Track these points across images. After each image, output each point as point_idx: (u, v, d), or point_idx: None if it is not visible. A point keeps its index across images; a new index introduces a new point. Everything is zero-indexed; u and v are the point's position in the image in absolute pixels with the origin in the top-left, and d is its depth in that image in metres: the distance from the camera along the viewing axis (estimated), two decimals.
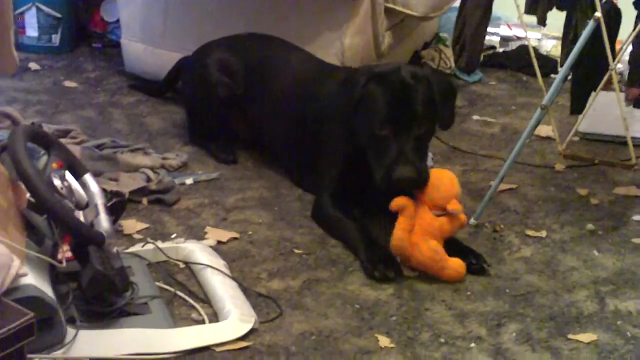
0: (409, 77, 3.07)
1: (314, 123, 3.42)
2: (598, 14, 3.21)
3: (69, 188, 2.66)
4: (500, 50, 5.47)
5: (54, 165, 2.66)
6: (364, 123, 3.09)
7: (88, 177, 2.79)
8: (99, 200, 2.75)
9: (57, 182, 2.61)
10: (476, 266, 3.02)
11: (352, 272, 3.00)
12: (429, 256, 2.93)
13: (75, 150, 3.46)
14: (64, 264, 2.54)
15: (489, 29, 5.09)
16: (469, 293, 2.92)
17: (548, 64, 4.97)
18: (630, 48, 3.52)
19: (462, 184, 3.62)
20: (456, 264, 2.95)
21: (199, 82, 3.88)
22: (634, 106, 3.61)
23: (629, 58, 3.53)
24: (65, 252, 2.59)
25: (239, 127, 3.87)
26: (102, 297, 2.58)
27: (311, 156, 3.42)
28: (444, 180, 3.03)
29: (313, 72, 3.62)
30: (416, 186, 3.01)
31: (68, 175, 2.71)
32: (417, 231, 2.96)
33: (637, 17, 3.59)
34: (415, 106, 3.03)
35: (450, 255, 3.01)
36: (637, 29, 3.50)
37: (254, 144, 3.85)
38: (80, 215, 2.71)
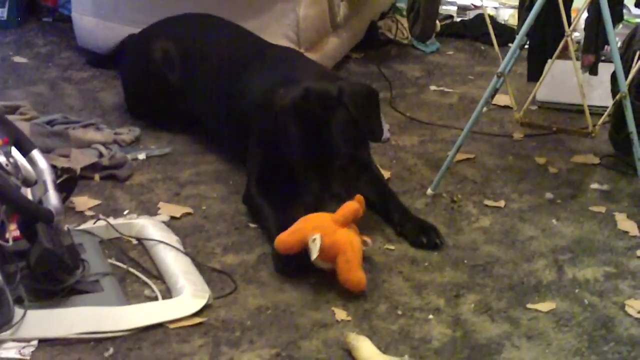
0: (319, 108, 2.93)
1: (244, 109, 3.34)
2: None
3: (15, 165, 2.60)
4: (458, 19, 5.45)
5: None
6: (285, 149, 3.01)
7: (36, 153, 2.72)
8: (48, 177, 2.69)
9: (1, 159, 2.55)
10: (429, 244, 2.99)
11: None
12: (356, 251, 2.75)
13: (25, 126, 3.41)
14: (11, 242, 2.49)
15: None
16: (426, 264, 2.90)
17: (505, 33, 4.95)
18: (585, 14, 3.49)
19: (419, 155, 3.64)
20: (359, 278, 2.74)
21: (139, 72, 3.85)
22: (590, 73, 3.59)
23: (584, 25, 3.51)
24: (12, 230, 2.55)
25: (179, 112, 3.80)
26: (52, 275, 2.53)
27: (242, 141, 3.35)
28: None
29: (246, 56, 3.54)
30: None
31: (14, 152, 2.65)
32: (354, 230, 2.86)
33: None
34: (331, 143, 2.91)
35: (404, 231, 3.03)
36: None
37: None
38: (27, 192, 2.66)
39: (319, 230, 2.68)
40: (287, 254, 2.74)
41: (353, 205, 2.78)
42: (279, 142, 3.01)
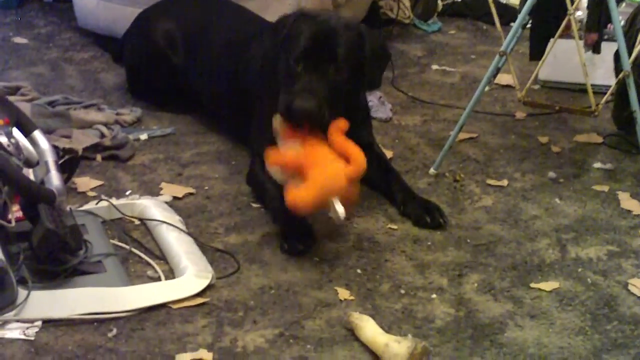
0: (339, 23, 2.97)
1: (246, 86, 3.33)
2: None
3: (17, 145, 2.60)
4: None
5: (0, 122, 2.59)
6: (285, 61, 2.99)
7: (38, 134, 2.72)
8: (50, 158, 2.69)
9: (3, 140, 2.55)
10: (433, 223, 3.00)
11: (312, 225, 2.96)
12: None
13: (26, 107, 3.40)
14: (13, 223, 2.49)
15: None
16: (429, 243, 2.90)
17: (508, 13, 4.93)
18: None
19: (422, 134, 3.63)
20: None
21: (141, 52, 3.83)
22: (593, 52, 3.58)
23: (587, 3, 3.50)
24: (15, 211, 2.55)
25: (182, 92, 3.79)
26: (54, 256, 2.53)
27: (245, 121, 3.34)
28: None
29: (247, 35, 3.52)
30: (315, 121, 2.86)
31: (16, 132, 2.65)
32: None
33: None
34: (336, 48, 2.91)
35: (408, 211, 3.05)
36: None
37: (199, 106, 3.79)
38: (30, 173, 2.66)
39: (341, 193, 2.71)
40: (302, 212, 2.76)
41: (362, 160, 2.76)
42: (282, 59, 3.00)
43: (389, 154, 3.43)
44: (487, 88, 3.31)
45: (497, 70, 3.30)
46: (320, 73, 2.88)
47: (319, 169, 2.71)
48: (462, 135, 3.54)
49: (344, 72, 2.91)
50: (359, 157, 2.74)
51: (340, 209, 2.68)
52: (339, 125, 2.82)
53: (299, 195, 2.68)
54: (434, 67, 4.47)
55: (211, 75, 3.55)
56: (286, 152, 2.81)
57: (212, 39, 3.59)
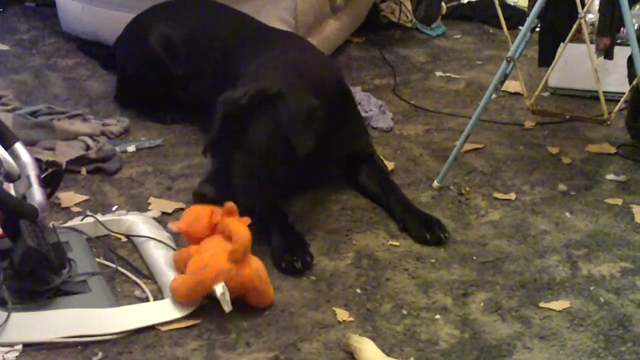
0: (247, 99, 2.90)
1: None
2: None
3: None
4: (465, 1, 5.43)
5: None
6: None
7: (19, 147, 2.73)
8: (32, 171, 2.70)
9: None
10: (433, 238, 3.00)
11: (308, 239, 2.96)
12: (264, 280, 2.66)
13: (7, 118, 3.41)
14: None
15: None
16: (433, 261, 2.90)
17: (515, 15, 4.93)
18: None
19: (425, 145, 3.63)
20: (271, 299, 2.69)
21: (137, 60, 3.83)
22: (605, 57, 3.58)
23: (599, 6, 3.50)
24: None
25: (178, 102, 3.80)
26: (36, 275, 2.53)
27: None
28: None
29: (245, 41, 3.51)
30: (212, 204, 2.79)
31: None
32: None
33: None
34: (241, 133, 2.88)
35: (407, 226, 3.04)
36: None
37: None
38: (10, 187, 2.66)
39: (222, 277, 2.55)
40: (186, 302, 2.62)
41: (245, 237, 2.60)
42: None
43: (390, 165, 3.43)
44: (494, 96, 3.31)
45: (505, 77, 3.30)
46: (229, 160, 2.86)
47: (196, 256, 2.62)
48: (468, 146, 3.54)
49: (256, 154, 2.87)
50: (239, 233, 2.60)
51: (220, 294, 2.53)
52: (227, 207, 2.67)
53: (174, 286, 2.58)
54: (438, 73, 4.47)
55: (211, 83, 3.54)
56: (183, 250, 2.73)
57: (212, 45, 3.59)
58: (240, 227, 2.62)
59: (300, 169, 3.01)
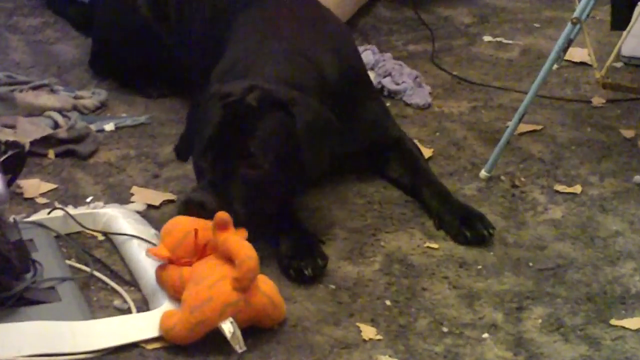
0: (261, 100, 2.91)
1: None
2: None
3: None
4: None
5: None
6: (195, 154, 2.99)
7: None
8: None
9: None
10: (475, 237, 3.01)
11: (326, 243, 2.98)
12: (278, 306, 2.65)
13: None
14: None
15: None
16: (479, 267, 2.91)
17: None
18: None
19: (470, 125, 3.64)
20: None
21: (121, 18, 3.84)
22: None
23: None
24: None
25: (166, 72, 3.83)
26: None
27: None
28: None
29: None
30: (209, 216, 2.75)
31: None
32: None
33: None
34: (247, 138, 2.88)
35: (444, 223, 3.07)
36: None
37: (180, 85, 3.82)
38: None
39: (229, 312, 2.52)
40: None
41: (251, 259, 2.56)
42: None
43: (427, 152, 3.44)
44: (555, 66, 3.31)
45: (569, 43, 3.30)
46: (228, 172, 2.86)
47: (190, 285, 2.58)
48: (523, 127, 3.55)
49: (264, 167, 2.87)
50: (243, 254, 2.56)
51: (229, 334, 2.50)
52: (218, 219, 2.63)
53: (168, 325, 2.54)
54: (487, 38, 4.48)
55: (205, 52, 3.54)
56: (171, 269, 2.69)
57: (207, 8, 3.59)
58: (243, 247, 2.58)
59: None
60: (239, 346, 2.50)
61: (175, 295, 2.62)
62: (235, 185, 2.85)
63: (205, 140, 2.89)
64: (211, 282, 2.54)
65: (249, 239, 2.65)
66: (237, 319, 2.51)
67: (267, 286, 2.61)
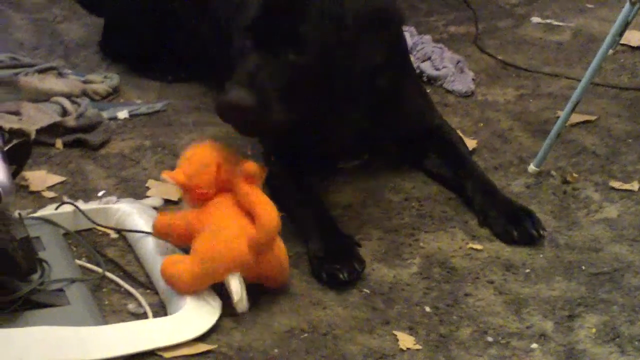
0: None
1: None
2: None
3: None
4: None
5: None
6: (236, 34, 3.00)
7: None
8: None
9: None
10: (522, 237, 3.01)
11: (360, 241, 2.98)
12: (285, 267, 2.76)
13: None
14: None
15: None
16: (527, 271, 2.90)
17: None
18: None
19: (517, 115, 3.64)
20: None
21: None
22: None
23: None
24: None
25: (180, 46, 3.84)
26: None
27: None
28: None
29: None
30: (252, 122, 2.84)
31: None
32: None
33: None
34: (298, 21, 2.87)
35: (489, 220, 3.06)
36: None
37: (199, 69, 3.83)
38: None
39: (238, 269, 2.62)
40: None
41: (273, 222, 2.65)
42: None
43: (470, 144, 3.44)
44: (610, 51, 3.31)
45: (626, 26, 3.29)
46: (273, 55, 2.86)
47: (206, 235, 2.66)
48: (575, 118, 3.53)
49: (310, 58, 2.88)
50: (264, 215, 2.65)
51: (236, 290, 2.60)
52: (248, 170, 2.71)
53: (175, 272, 2.62)
54: (535, 19, 4.48)
55: (225, 36, 3.55)
56: (174, 216, 2.79)
57: None
58: (267, 208, 2.66)
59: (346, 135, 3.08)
60: (242, 306, 2.60)
61: (180, 241, 2.72)
62: (276, 74, 2.85)
63: (249, 21, 2.90)
64: (228, 236, 2.64)
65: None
66: (243, 275, 2.61)
67: (278, 249, 2.70)
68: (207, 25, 3.65)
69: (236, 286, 2.58)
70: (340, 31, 2.90)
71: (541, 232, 3.01)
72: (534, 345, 2.63)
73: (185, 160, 2.78)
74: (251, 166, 2.70)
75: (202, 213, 2.72)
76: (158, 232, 2.78)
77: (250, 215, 2.66)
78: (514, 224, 3.02)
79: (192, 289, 2.62)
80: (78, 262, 2.82)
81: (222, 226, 2.66)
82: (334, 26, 2.89)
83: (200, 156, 2.77)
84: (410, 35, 4.02)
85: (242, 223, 2.66)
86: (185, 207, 2.81)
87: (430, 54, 3.92)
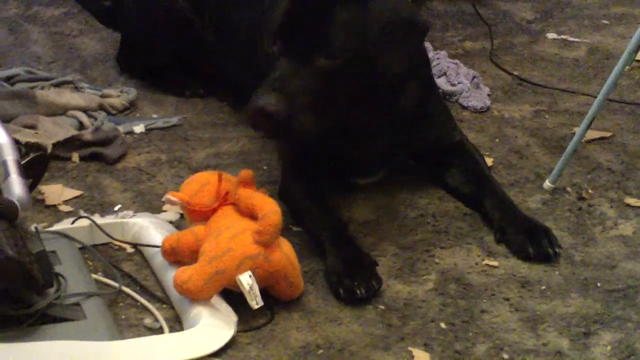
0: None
1: None
2: None
3: None
4: None
5: None
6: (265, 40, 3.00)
7: None
8: (9, 156, 2.72)
9: None
10: (538, 254, 3.00)
11: (376, 257, 2.97)
12: (297, 268, 2.77)
13: None
14: None
15: None
16: (543, 288, 2.90)
17: None
18: None
19: (533, 132, 3.64)
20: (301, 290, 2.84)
21: (154, 10, 3.86)
22: None
23: None
24: None
25: (198, 61, 3.85)
26: (15, 295, 2.55)
27: None
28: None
29: None
30: (282, 128, 2.84)
31: None
32: None
33: None
34: (328, 26, 2.88)
35: (506, 237, 3.06)
36: None
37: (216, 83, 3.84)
38: None
39: (248, 265, 2.63)
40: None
41: (275, 213, 2.68)
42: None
43: (486, 160, 3.43)
44: (626, 67, 3.31)
45: None
46: (303, 60, 2.87)
47: (211, 238, 2.69)
48: (591, 134, 3.54)
49: (341, 62, 2.88)
50: (267, 208, 2.68)
51: (247, 283, 2.61)
52: (244, 176, 2.81)
53: (186, 277, 2.63)
54: (550, 35, 4.47)
55: (249, 55, 3.55)
56: (182, 232, 2.83)
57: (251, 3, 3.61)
58: (267, 202, 2.70)
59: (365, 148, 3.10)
60: (256, 302, 2.61)
61: (192, 257, 2.72)
62: (306, 80, 2.85)
63: (276, 26, 2.91)
64: (231, 233, 2.67)
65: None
66: (255, 276, 2.62)
67: (287, 248, 2.73)
68: (226, 39, 3.66)
69: (247, 281, 2.60)
70: (366, 37, 2.90)
71: (557, 250, 3.01)
72: None
73: (185, 184, 2.87)
74: (246, 172, 2.79)
75: (208, 225, 2.76)
76: (166, 250, 2.79)
77: (253, 218, 2.70)
78: (531, 241, 3.02)
79: (205, 293, 2.64)
80: (94, 276, 2.82)
81: (225, 227, 2.71)
82: (360, 32, 2.90)
83: (199, 177, 2.88)
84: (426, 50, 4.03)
85: (244, 223, 2.70)
86: (190, 226, 2.84)
87: (446, 70, 3.92)
